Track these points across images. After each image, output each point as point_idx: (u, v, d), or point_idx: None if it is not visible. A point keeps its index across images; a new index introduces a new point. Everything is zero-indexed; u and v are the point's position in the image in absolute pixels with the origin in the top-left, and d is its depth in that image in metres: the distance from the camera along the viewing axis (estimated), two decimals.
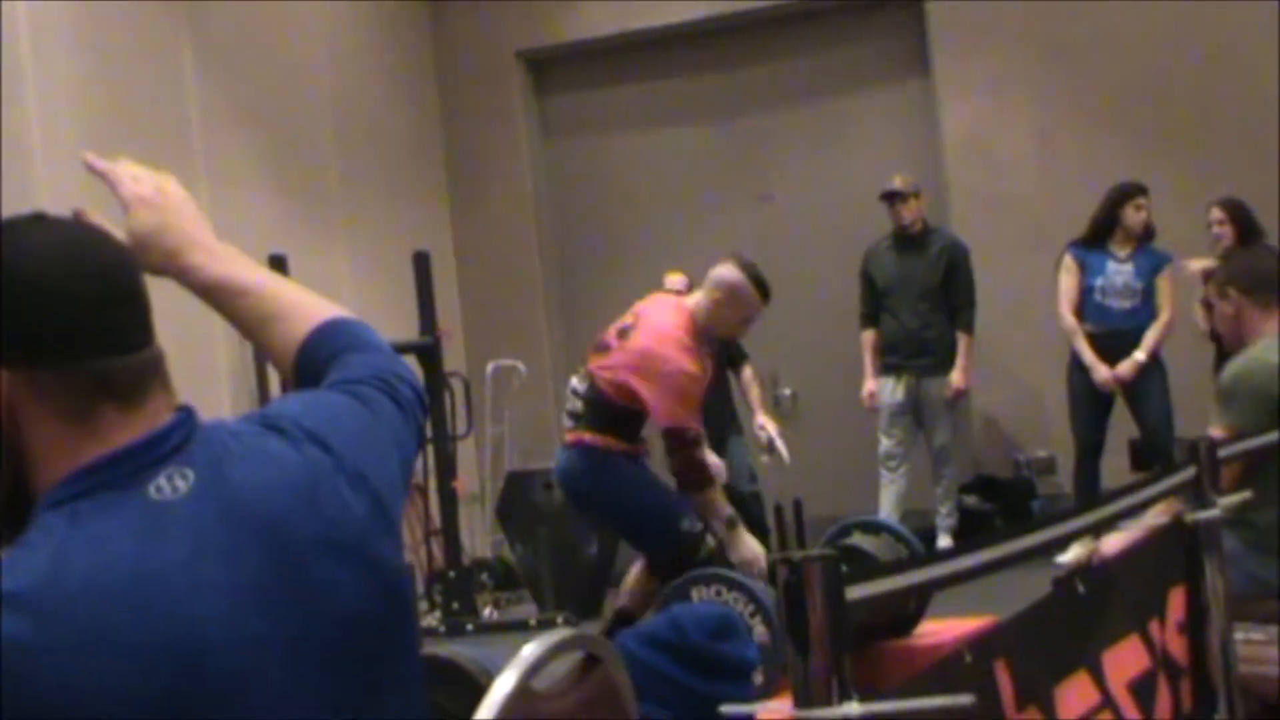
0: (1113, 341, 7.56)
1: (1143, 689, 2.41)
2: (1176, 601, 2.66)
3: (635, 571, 5.51)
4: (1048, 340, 8.36)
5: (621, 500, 5.34)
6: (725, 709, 1.66)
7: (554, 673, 1.63)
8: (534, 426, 9.47)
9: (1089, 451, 7.69)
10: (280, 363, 1.82)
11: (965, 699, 1.63)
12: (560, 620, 7.44)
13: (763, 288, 5.29)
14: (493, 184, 9.93)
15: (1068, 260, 7.69)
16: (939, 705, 1.64)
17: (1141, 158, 8.42)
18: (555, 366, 9.90)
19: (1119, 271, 7.58)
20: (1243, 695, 2.87)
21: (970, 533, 8.10)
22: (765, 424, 7.38)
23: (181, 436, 1.55)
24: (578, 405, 5.38)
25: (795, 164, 9.62)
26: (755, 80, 9.68)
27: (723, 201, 9.70)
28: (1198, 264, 7.36)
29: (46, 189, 6.37)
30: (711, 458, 5.32)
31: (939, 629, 5.14)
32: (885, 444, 8.12)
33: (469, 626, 7.52)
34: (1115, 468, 7.69)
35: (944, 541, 8.05)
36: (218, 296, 1.81)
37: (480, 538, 9.14)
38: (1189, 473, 2.75)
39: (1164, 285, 7.56)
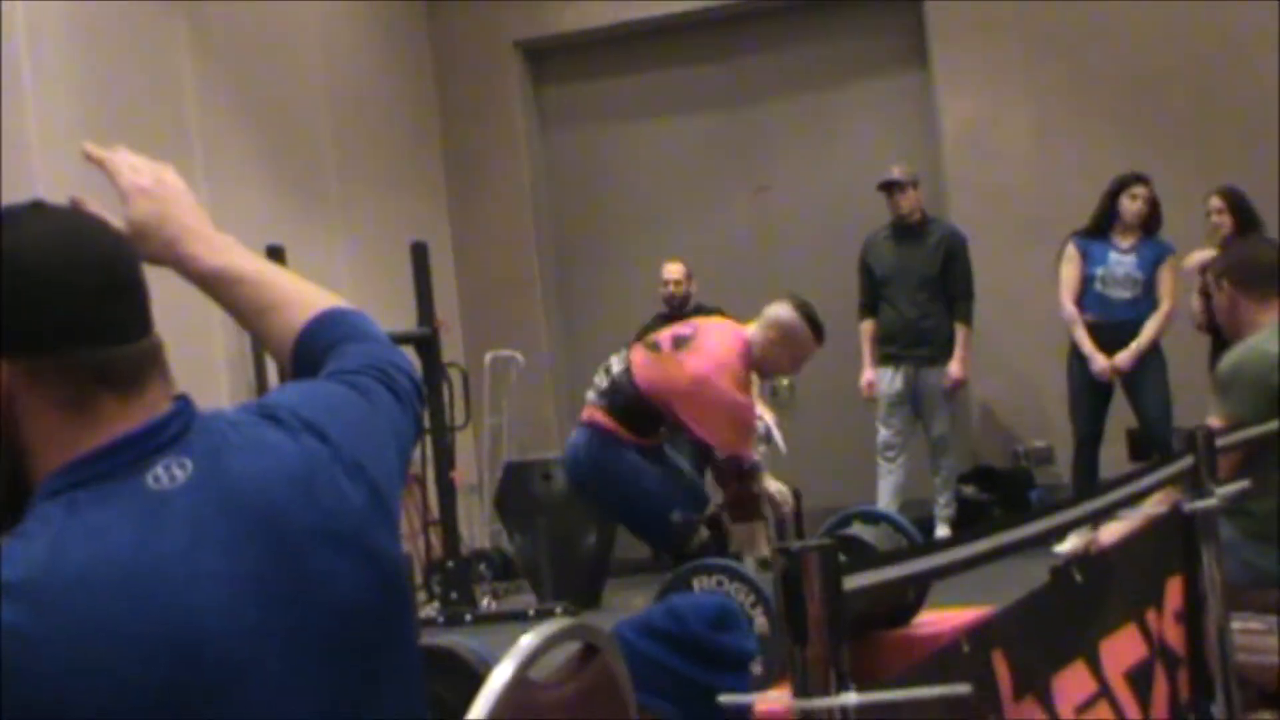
0: (1113, 332, 7.55)
1: (1140, 678, 2.42)
2: (1174, 591, 2.66)
3: None
4: (1046, 331, 8.36)
5: (616, 486, 5.39)
6: (724, 699, 1.66)
7: (552, 663, 1.63)
8: (532, 417, 9.48)
9: (1088, 441, 7.69)
10: (278, 352, 1.82)
11: (963, 689, 1.63)
12: (559, 611, 7.44)
13: (817, 328, 5.34)
14: (490, 175, 9.92)
15: (1070, 250, 7.68)
16: (937, 695, 1.64)
17: (1138, 149, 8.41)
18: (553, 356, 9.90)
19: (1120, 262, 7.58)
20: (1240, 684, 2.88)
21: (968, 523, 8.11)
22: (762, 414, 7.38)
23: (180, 426, 1.56)
24: (604, 383, 5.42)
25: (793, 155, 9.61)
26: (753, 71, 9.68)
27: (721, 192, 9.70)
28: (1197, 256, 7.36)
29: (44, 182, 6.36)
30: (774, 485, 5.31)
31: (937, 619, 5.15)
32: (883, 434, 8.12)
33: (467, 617, 7.52)
34: (1113, 458, 7.70)
35: (942, 531, 8.05)
36: (216, 286, 1.81)
37: (478, 528, 9.14)
38: (1187, 462, 2.75)
39: (1166, 276, 7.56)
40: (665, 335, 5.46)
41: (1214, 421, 4.06)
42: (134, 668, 1.40)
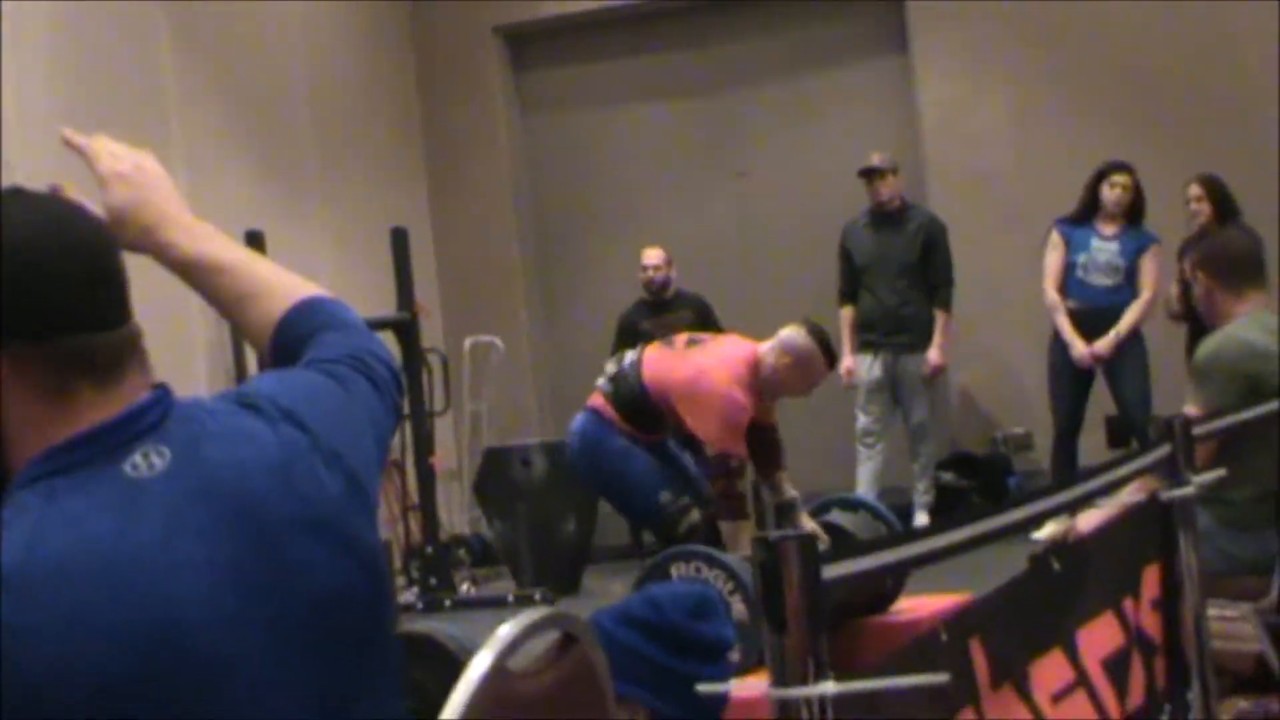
0: (1094, 318, 7.58)
1: (1116, 666, 2.42)
2: (1151, 579, 2.67)
3: None
4: (1025, 317, 8.39)
5: (608, 468, 5.56)
6: (702, 688, 1.66)
7: (531, 652, 1.63)
8: (512, 403, 9.48)
9: (1067, 428, 7.72)
10: (256, 341, 1.81)
11: (941, 678, 1.63)
12: (537, 597, 7.45)
13: (830, 354, 5.42)
14: (471, 160, 9.90)
15: (1054, 237, 7.71)
16: (915, 684, 1.65)
17: (1118, 137, 8.44)
18: (533, 343, 9.90)
19: (1103, 249, 7.60)
20: (1216, 671, 2.89)
21: (947, 509, 8.14)
22: None
23: (158, 414, 1.55)
24: (613, 370, 5.59)
25: (773, 140, 9.61)
26: (734, 56, 9.67)
27: (701, 178, 9.70)
28: None
29: (22, 169, 6.33)
30: (809, 524, 5.36)
31: (915, 606, 5.16)
32: (863, 421, 8.14)
33: (446, 603, 7.51)
34: (1092, 444, 7.73)
35: (921, 518, 8.07)
36: (194, 273, 1.80)
37: (458, 514, 9.14)
38: (1164, 450, 2.76)
39: (1148, 265, 7.58)
40: (682, 336, 5.73)
41: (1190, 410, 4.07)
42: (114, 656, 1.40)
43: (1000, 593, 2.20)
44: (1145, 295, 7.59)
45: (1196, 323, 6.08)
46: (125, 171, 1.82)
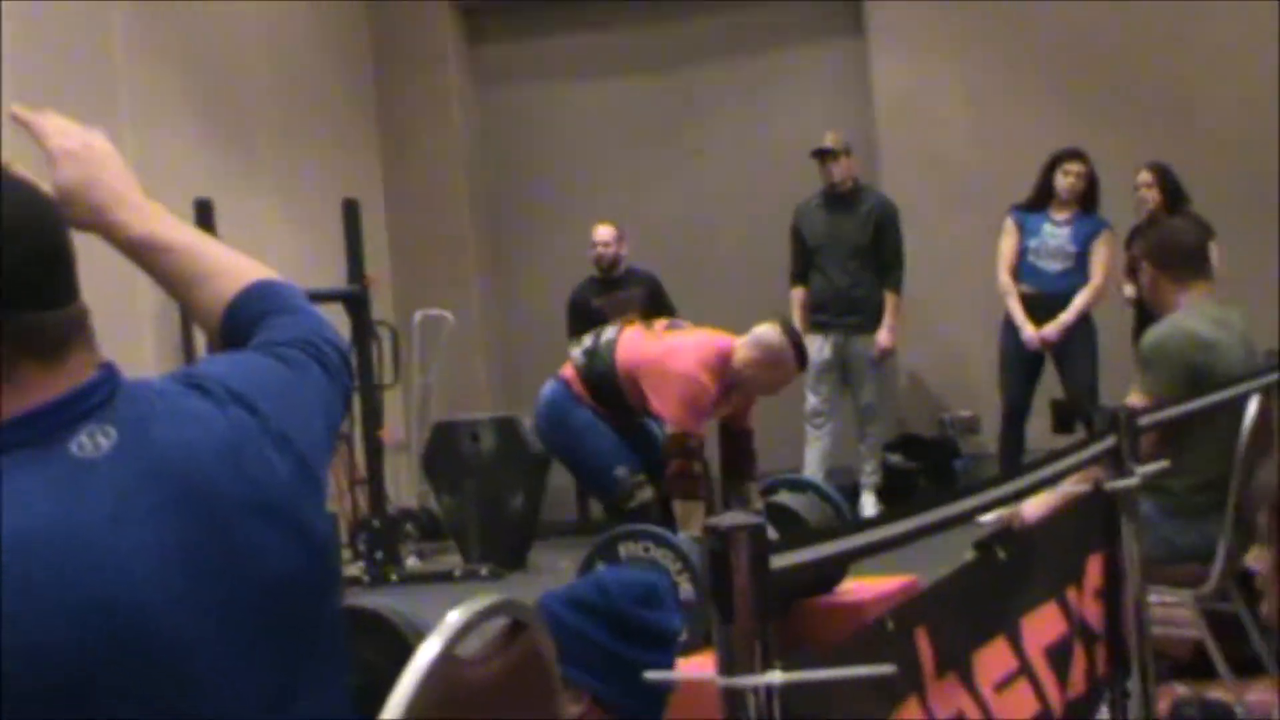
0: (1045, 303, 7.64)
1: (1059, 655, 2.45)
2: (1094, 568, 2.70)
3: None
4: (974, 300, 8.44)
5: (568, 438, 5.66)
6: (650, 675, 1.66)
7: (482, 633, 1.63)
8: (461, 377, 9.45)
9: (1014, 412, 7.77)
10: (206, 323, 1.80)
11: (887, 669, 1.65)
12: (484, 572, 7.45)
13: (801, 355, 5.43)
14: (424, 132, 9.85)
15: (1008, 223, 7.77)
16: (862, 675, 1.66)
17: (1071, 119, 8.49)
18: (484, 317, 9.87)
19: (1054, 234, 7.66)
20: (1155, 656, 2.93)
21: (894, 490, 8.19)
22: None
23: (104, 394, 1.54)
24: (589, 344, 5.66)
25: (728, 120, 9.61)
26: (691, 35, 9.66)
27: (655, 155, 9.69)
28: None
29: None
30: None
31: (860, 587, 5.21)
32: (811, 401, 8.16)
33: (393, 576, 7.51)
34: (1036, 429, 7.79)
35: (868, 498, 8.12)
36: (144, 254, 1.79)
37: (405, 487, 9.12)
38: (1110, 441, 2.78)
39: (1099, 250, 7.64)
40: (663, 321, 5.86)
41: (1135, 397, 4.12)
42: (59, 636, 1.39)
43: (946, 582, 2.22)
44: (1095, 281, 7.64)
45: (1144, 309, 6.13)
46: (74, 149, 1.79)
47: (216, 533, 1.51)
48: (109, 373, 1.56)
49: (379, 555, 7.61)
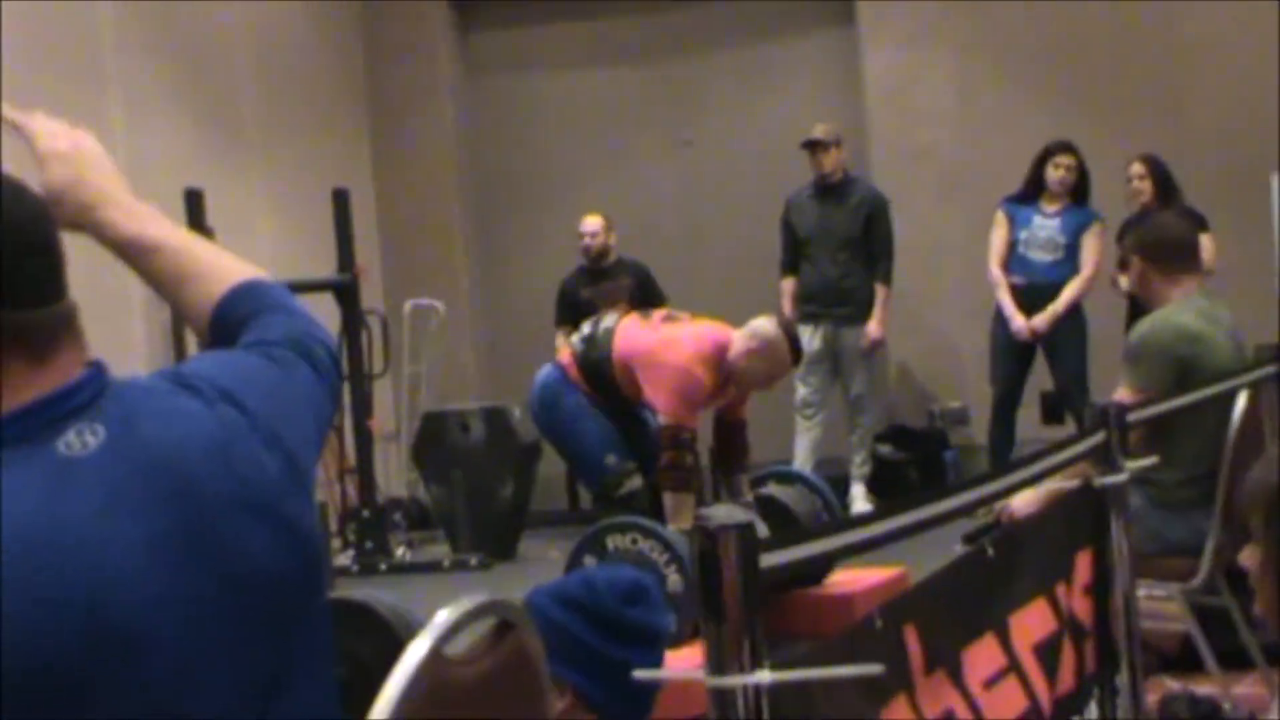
0: (1035, 294, 7.64)
1: (1048, 652, 2.45)
2: (1084, 564, 2.70)
3: None
4: (964, 291, 8.44)
5: (560, 423, 5.67)
6: (638, 674, 1.66)
7: (471, 632, 1.63)
8: (451, 367, 9.44)
9: (1005, 403, 7.78)
10: (195, 322, 1.80)
11: (875, 669, 1.65)
12: (474, 562, 7.45)
13: (796, 349, 5.44)
14: (414, 121, 9.83)
15: (999, 215, 7.78)
16: (850, 675, 1.66)
17: (1061, 110, 8.50)
18: (473, 306, 9.86)
19: (1044, 225, 7.67)
20: (1143, 649, 2.93)
21: (884, 481, 8.20)
22: None
23: (92, 392, 1.54)
24: (588, 331, 5.67)
25: (717, 110, 9.61)
26: (680, 24, 9.64)
27: (645, 145, 9.68)
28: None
29: None
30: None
31: (848, 579, 5.21)
32: (801, 392, 8.17)
33: (382, 566, 7.50)
34: (1026, 420, 7.80)
35: (858, 489, 8.13)
36: (132, 253, 1.79)
37: (395, 477, 9.11)
38: (1099, 437, 2.79)
39: (1090, 242, 7.64)
40: (661, 311, 5.88)
41: (1123, 391, 4.13)
42: (46, 634, 1.40)
43: (935, 579, 2.22)
44: (1085, 272, 7.65)
45: (1137, 301, 6.13)
46: (63, 150, 1.80)
47: (205, 530, 1.51)
48: (98, 371, 1.57)
49: (368, 545, 7.60)
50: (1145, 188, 7.54)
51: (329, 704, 1.64)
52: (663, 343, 5.42)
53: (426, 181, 9.81)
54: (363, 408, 7.75)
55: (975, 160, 8.76)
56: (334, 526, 7.92)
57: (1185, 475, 4.14)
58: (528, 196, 9.86)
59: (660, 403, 5.38)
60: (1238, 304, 4.85)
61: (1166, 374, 4.12)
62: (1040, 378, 7.87)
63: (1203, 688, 4.23)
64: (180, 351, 7.27)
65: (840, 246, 8.11)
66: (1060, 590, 2.57)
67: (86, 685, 1.41)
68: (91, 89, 7.30)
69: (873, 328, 8.11)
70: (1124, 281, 7.35)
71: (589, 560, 4.87)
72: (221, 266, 1.81)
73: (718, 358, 5.34)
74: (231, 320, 1.76)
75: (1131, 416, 3.00)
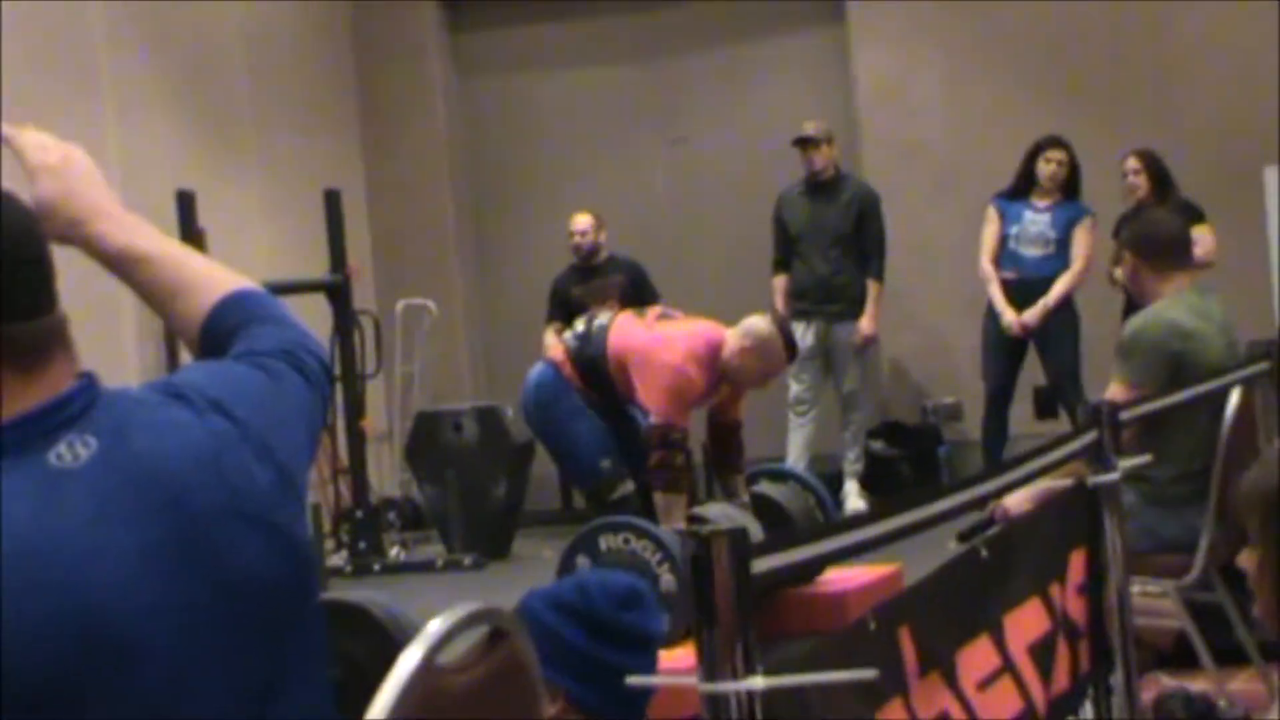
0: (1027, 288, 7.64)
1: (1042, 652, 2.46)
2: (1077, 564, 2.71)
3: None
4: (956, 287, 8.44)
5: (555, 423, 5.65)
6: (631, 680, 1.66)
7: (464, 639, 1.63)
8: (444, 367, 9.44)
9: (997, 399, 7.78)
10: (185, 333, 1.80)
11: (869, 674, 1.65)
12: (467, 562, 7.45)
13: (790, 347, 5.45)
14: (406, 121, 9.82)
15: (990, 211, 7.78)
16: (844, 680, 1.66)
17: (1052, 106, 8.50)
18: (466, 306, 9.86)
19: (1035, 220, 7.67)
20: (1137, 646, 2.94)
21: (877, 478, 8.20)
22: None
23: (83, 403, 1.54)
24: (582, 329, 5.66)
25: (709, 108, 9.60)
26: (671, 23, 9.63)
27: (637, 144, 9.67)
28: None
29: None
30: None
31: (841, 578, 5.20)
32: (794, 389, 8.16)
33: (375, 566, 7.50)
34: (1019, 415, 7.80)
35: (851, 486, 8.13)
36: (123, 265, 1.78)
37: (388, 477, 9.11)
38: (1092, 436, 2.79)
39: (1081, 237, 7.64)
40: (656, 309, 5.88)
41: (1115, 387, 4.13)
42: (39, 643, 1.40)
43: (929, 580, 2.22)
44: (1076, 266, 7.65)
45: (1132, 296, 6.14)
46: (53, 163, 1.79)
47: (197, 539, 1.52)
48: (88, 382, 1.57)
49: (362, 545, 7.60)
50: (1141, 182, 7.53)
51: (324, 707, 1.65)
52: (657, 341, 5.41)
53: (418, 181, 9.80)
54: (355, 408, 7.74)
55: (967, 156, 8.76)
56: (327, 527, 7.91)
57: (1178, 472, 4.14)
58: (519, 195, 9.85)
59: (651, 401, 5.37)
60: (1231, 299, 4.85)
61: (1159, 370, 4.13)
62: (1033, 373, 7.88)
63: (1198, 685, 4.23)
64: (173, 362, 7.26)
65: (832, 243, 8.11)
66: (1054, 590, 2.57)
67: (81, 695, 1.41)
68: (83, 91, 7.28)
69: (865, 324, 8.11)
70: (1120, 275, 7.36)
71: (582, 560, 4.86)
72: (212, 277, 1.80)
73: (711, 357, 5.34)
74: (222, 331, 1.75)
75: (1124, 415, 3.00)
